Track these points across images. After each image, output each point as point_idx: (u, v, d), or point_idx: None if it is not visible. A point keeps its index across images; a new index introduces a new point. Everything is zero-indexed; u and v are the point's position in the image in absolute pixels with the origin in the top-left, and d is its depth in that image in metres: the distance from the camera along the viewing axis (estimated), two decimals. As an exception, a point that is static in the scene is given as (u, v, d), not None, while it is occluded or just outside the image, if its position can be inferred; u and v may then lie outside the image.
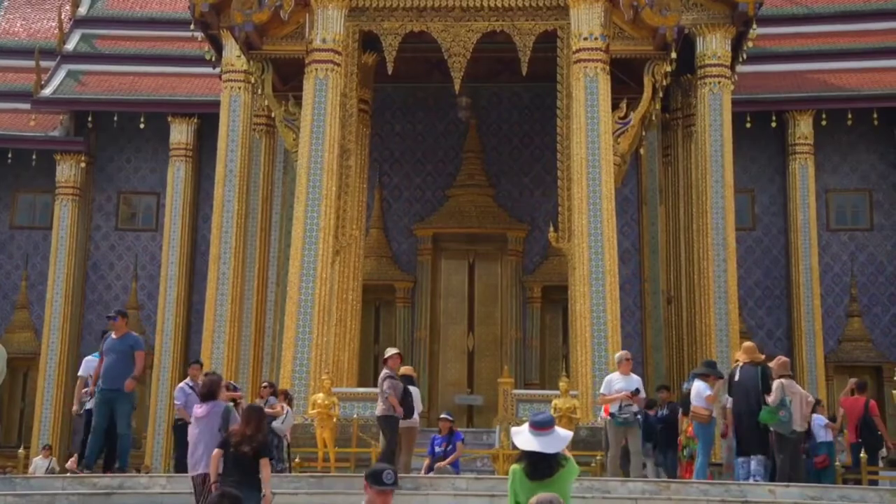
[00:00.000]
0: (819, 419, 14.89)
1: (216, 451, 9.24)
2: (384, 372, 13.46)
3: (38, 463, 19.99)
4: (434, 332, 23.30)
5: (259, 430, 9.31)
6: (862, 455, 14.95)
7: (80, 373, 13.23)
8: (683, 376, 19.72)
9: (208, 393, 10.01)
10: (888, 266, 24.95)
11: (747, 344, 13.21)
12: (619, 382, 13.27)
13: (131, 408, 12.06)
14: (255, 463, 9.07)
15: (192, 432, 9.92)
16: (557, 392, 16.10)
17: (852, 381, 16.00)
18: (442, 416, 15.29)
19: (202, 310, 21.75)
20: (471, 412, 22.31)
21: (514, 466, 5.95)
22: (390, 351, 13.90)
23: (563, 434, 5.89)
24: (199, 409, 9.95)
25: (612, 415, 13.17)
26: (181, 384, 13.65)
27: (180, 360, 23.88)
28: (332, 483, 11.48)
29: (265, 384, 15.23)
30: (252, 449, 9.03)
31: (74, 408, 13.15)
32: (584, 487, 11.11)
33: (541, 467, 5.77)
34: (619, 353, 13.86)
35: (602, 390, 13.43)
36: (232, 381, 15.40)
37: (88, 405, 12.63)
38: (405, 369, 14.48)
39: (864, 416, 14.83)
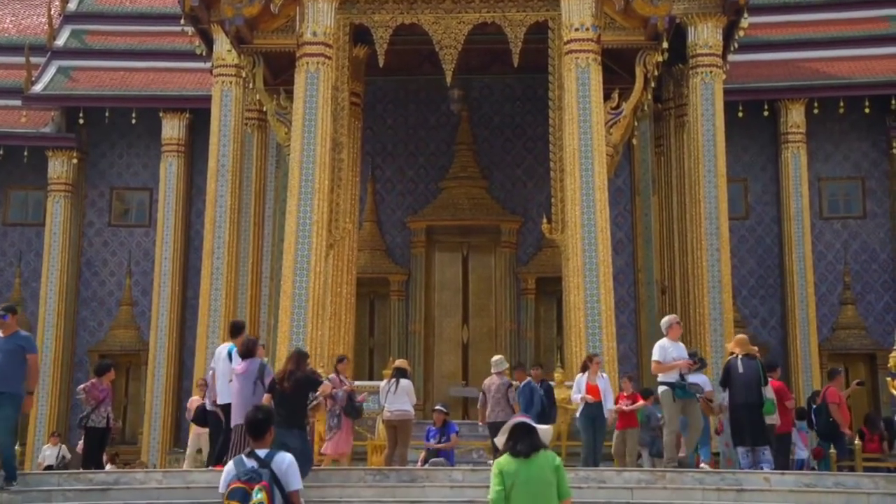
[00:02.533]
0: (818, 411, 14.93)
1: (266, 395, 10.37)
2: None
3: (47, 451, 19.89)
4: (428, 324, 23.31)
5: (298, 368, 10.49)
6: (857, 443, 15.02)
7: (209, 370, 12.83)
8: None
9: (247, 351, 10.98)
10: (881, 253, 25.00)
11: (741, 336, 13.05)
12: (673, 350, 12.37)
13: (14, 412, 10.58)
14: (296, 398, 10.25)
15: (234, 387, 10.86)
16: (552, 383, 16.11)
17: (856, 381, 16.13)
18: (436, 407, 15.33)
19: (196, 305, 21.73)
20: (466, 404, 22.33)
21: (498, 459, 6.23)
22: (501, 362, 13.88)
23: (543, 427, 6.34)
24: (239, 367, 10.86)
25: (670, 386, 12.24)
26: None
27: (175, 356, 23.88)
28: (327, 476, 11.48)
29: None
30: (290, 385, 10.22)
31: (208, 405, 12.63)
32: (579, 477, 11.13)
33: (524, 440, 6.09)
34: (668, 318, 13.05)
35: (656, 356, 12.40)
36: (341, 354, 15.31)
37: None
38: (399, 362, 14.56)
39: (821, 404, 14.86)
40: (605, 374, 14.09)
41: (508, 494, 6.04)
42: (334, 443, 13.29)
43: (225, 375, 11.65)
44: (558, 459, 6.20)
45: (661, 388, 12.44)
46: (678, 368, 12.23)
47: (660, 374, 12.43)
